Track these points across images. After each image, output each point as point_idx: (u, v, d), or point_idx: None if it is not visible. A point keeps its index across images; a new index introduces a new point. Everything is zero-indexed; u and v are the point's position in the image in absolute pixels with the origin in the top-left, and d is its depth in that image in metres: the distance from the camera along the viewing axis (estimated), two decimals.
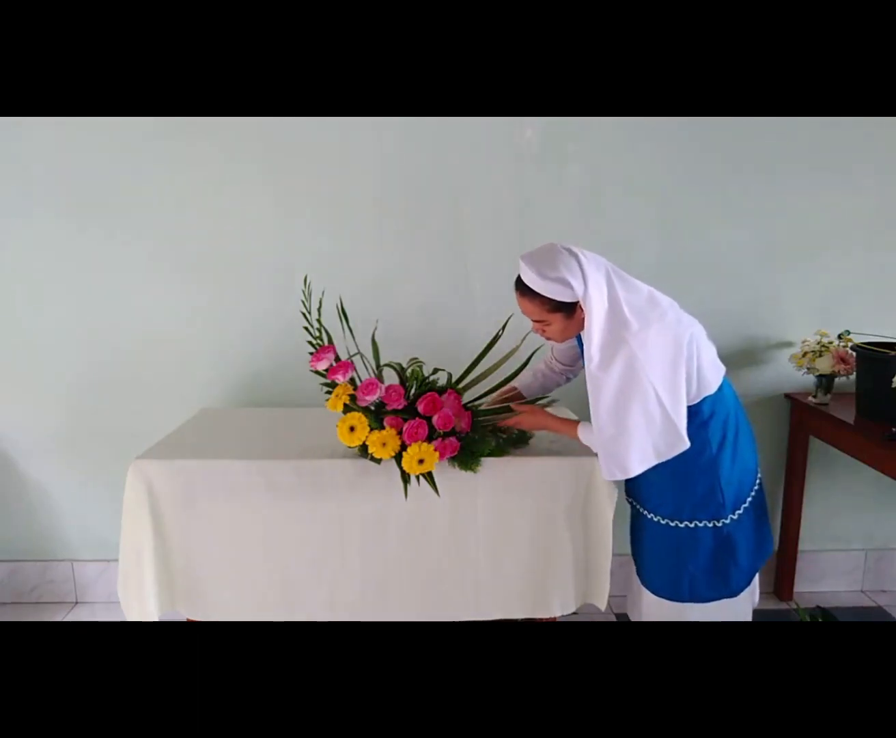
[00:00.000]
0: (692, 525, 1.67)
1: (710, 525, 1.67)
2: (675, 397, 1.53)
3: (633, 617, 1.90)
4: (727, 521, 1.67)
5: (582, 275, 1.53)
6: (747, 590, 1.76)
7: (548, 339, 1.70)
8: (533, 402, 1.85)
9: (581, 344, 1.78)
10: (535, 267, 1.55)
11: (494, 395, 1.90)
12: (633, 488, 1.79)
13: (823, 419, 2.24)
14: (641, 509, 1.77)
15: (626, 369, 1.52)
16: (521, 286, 1.61)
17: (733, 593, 1.73)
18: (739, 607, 1.75)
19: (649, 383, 1.51)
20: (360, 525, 1.74)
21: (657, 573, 1.76)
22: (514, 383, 1.94)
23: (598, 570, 1.77)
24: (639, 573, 1.81)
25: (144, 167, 2.23)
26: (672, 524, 1.69)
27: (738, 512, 1.69)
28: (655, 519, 1.72)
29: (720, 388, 1.66)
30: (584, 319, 1.57)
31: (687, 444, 1.55)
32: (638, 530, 1.81)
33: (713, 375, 1.64)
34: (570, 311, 1.58)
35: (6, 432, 2.41)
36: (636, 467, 1.58)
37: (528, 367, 1.92)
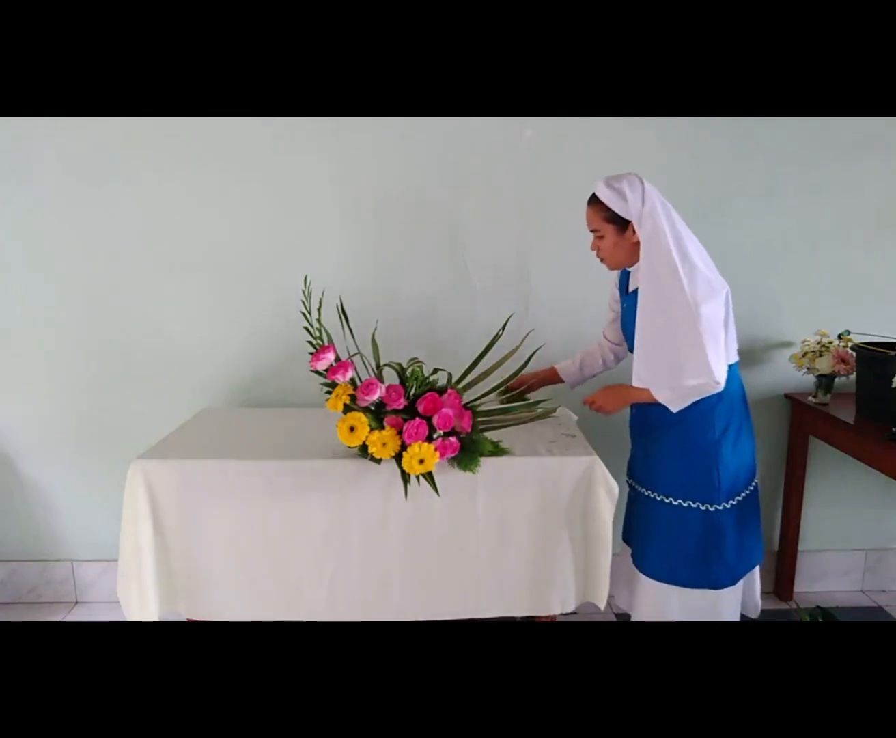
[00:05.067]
0: (685, 504, 1.73)
1: (703, 508, 1.71)
2: (713, 338, 1.59)
3: (625, 606, 1.97)
4: (719, 507, 1.71)
5: (642, 196, 1.64)
6: (732, 591, 1.78)
7: (602, 261, 1.78)
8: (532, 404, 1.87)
9: (620, 287, 1.87)
10: (607, 178, 1.69)
11: (531, 374, 1.97)
12: (634, 465, 1.86)
13: (823, 419, 2.24)
14: (639, 488, 1.84)
15: (673, 296, 1.59)
16: (590, 197, 1.73)
17: (714, 585, 1.76)
18: (723, 606, 1.76)
19: (690, 315, 1.57)
20: (360, 525, 1.74)
21: (645, 551, 1.82)
22: (556, 366, 2.02)
23: (597, 569, 1.77)
24: (633, 556, 1.87)
25: (143, 167, 2.23)
26: (667, 501, 1.74)
27: (731, 502, 1.73)
28: (652, 495, 1.79)
29: (732, 378, 1.71)
30: (635, 243, 1.67)
31: (719, 381, 1.59)
32: (634, 510, 1.88)
33: (732, 348, 1.72)
34: (623, 227, 1.68)
35: (6, 432, 2.41)
36: (660, 386, 1.67)
37: (574, 357, 2.03)
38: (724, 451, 1.72)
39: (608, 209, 1.68)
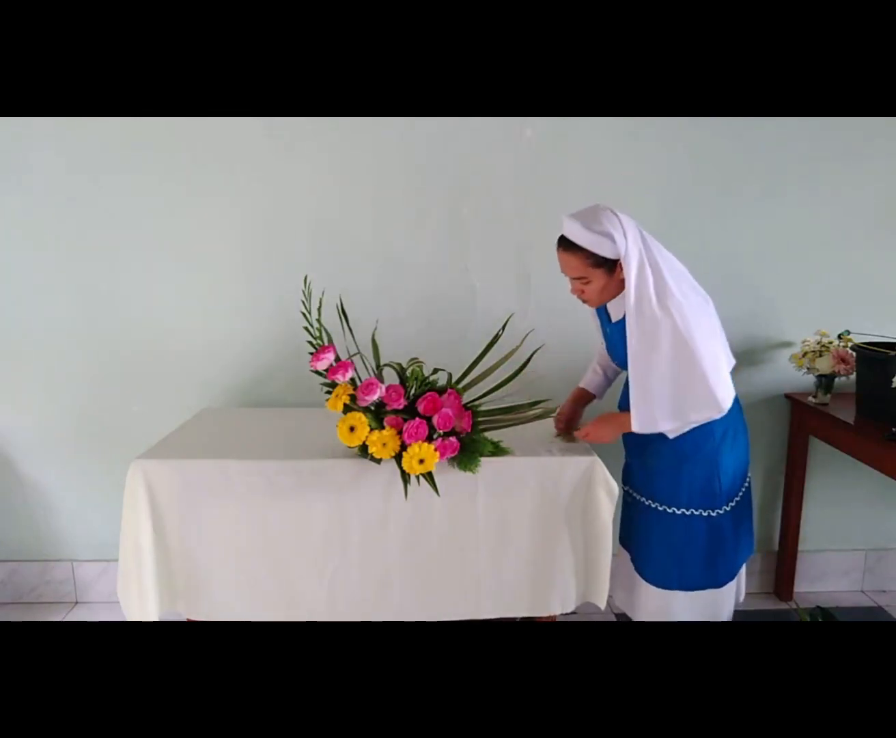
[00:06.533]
0: (688, 513, 1.71)
1: (705, 515, 1.70)
2: (714, 361, 1.56)
3: (623, 606, 1.94)
4: (721, 511, 1.71)
5: (623, 230, 1.56)
6: (730, 585, 1.79)
7: (584, 301, 1.71)
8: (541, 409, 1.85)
9: (600, 317, 1.82)
10: (580, 220, 1.59)
11: (567, 403, 1.91)
12: (630, 474, 1.83)
13: (823, 419, 2.24)
14: (638, 496, 1.80)
15: (663, 327, 1.54)
16: (564, 242, 1.64)
17: (719, 585, 1.76)
18: (723, 601, 1.78)
19: (685, 344, 1.53)
20: (360, 525, 1.74)
21: (648, 560, 1.79)
22: (581, 385, 1.95)
23: (597, 569, 1.77)
24: (633, 561, 1.84)
25: (144, 168, 2.23)
26: (669, 511, 1.72)
27: (730, 504, 1.73)
28: (653, 505, 1.75)
29: None
30: (622, 280, 1.60)
31: (724, 409, 1.57)
32: (633, 518, 1.85)
33: (728, 358, 1.69)
34: (611, 268, 1.61)
35: (6, 432, 2.41)
36: (664, 424, 1.61)
37: (589, 368, 1.97)
38: (724, 456, 1.70)
39: (595, 254, 1.59)
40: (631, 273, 1.56)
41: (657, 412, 1.60)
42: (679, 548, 1.73)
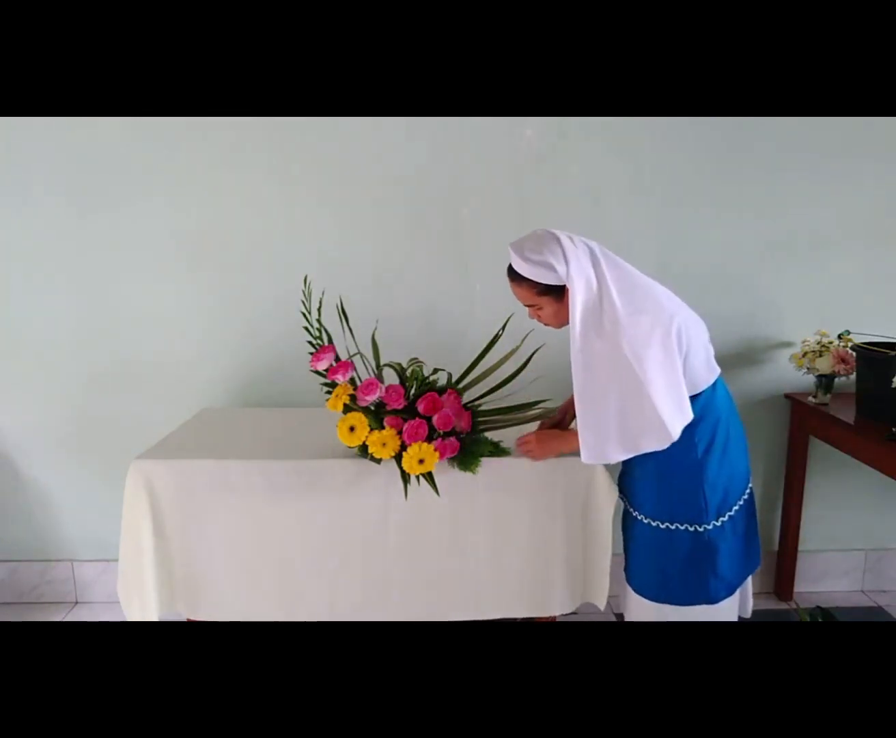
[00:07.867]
0: (672, 527, 1.66)
1: (692, 529, 1.64)
2: (665, 387, 1.51)
3: (625, 613, 1.89)
4: (709, 527, 1.64)
5: (564, 257, 1.54)
6: (730, 600, 1.72)
7: (545, 325, 1.70)
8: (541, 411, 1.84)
9: None
10: (520, 252, 1.59)
11: (559, 409, 1.88)
12: (621, 483, 1.80)
13: (823, 419, 2.24)
14: (628, 506, 1.78)
15: (610, 354, 1.52)
16: (510, 272, 1.66)
17: (710, 601, 1.69)
18: (720, 616, 1.71)
19: (632, 371, 1.50)
20: (360, 525, 1.74)
21: (637, 570, 1.76)
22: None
23: (597, 569, 1.78)
24: (625, 569, 1.81)
25: (145, 168, 2.23)
26: (653, 524, 1.68)
27: (721, 519, 1.66)
28: (639, 517, 1.72)
29: (714, 391, 1.64)
30: None
31: (673, 437, 1.52)
32: (625, 526, 1.81)
33: (704, 373, 1.62)
34: (559, 294, 1.60)
35: (6, 432, 2.41)
36: (615, 455, 1.59)
37: None
38: (709, 469, 1.63)
39: (539, 284, 1.59)
40: (575, 302, 1.54)
41: (605, 443, 1.57)
42: (662, 562, 1.68)
